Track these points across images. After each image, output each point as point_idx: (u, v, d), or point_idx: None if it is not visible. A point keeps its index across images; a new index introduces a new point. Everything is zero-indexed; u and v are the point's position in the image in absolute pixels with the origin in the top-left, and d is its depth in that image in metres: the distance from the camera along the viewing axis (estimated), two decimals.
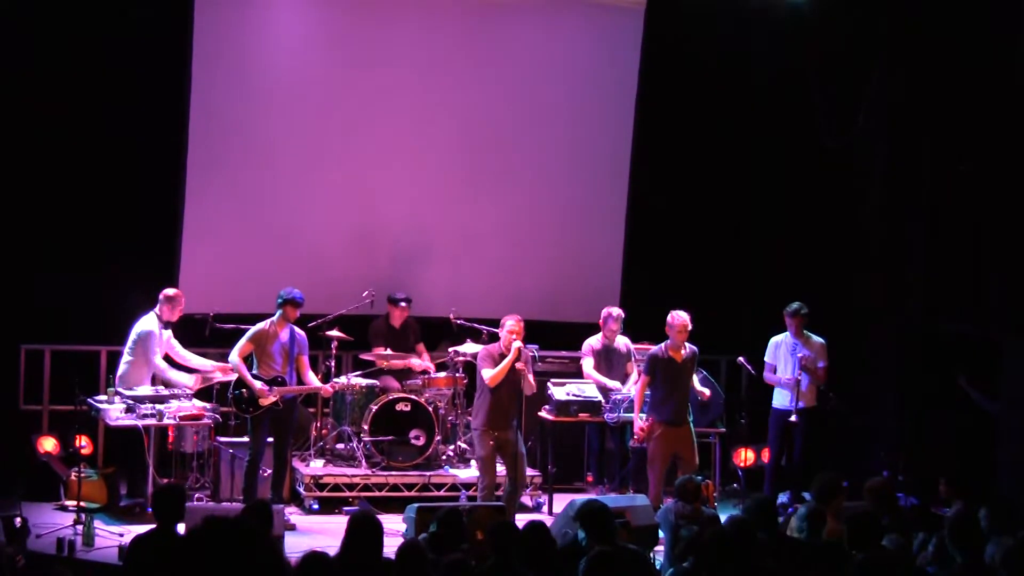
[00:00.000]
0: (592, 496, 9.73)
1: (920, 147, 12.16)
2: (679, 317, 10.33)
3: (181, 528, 7.11)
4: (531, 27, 12.50)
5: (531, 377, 10.06)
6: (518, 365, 9.90)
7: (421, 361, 11.88)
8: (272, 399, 10.27)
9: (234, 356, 10.32)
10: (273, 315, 10.41)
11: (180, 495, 7.01)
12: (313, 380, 10.56)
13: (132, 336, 10.68)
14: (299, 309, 10.41)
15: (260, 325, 10.42)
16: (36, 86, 11.42)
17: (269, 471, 10.49)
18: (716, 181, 13.01)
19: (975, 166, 11.64)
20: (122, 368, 10.65)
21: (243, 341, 10.35)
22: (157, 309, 10.72)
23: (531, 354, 10.14)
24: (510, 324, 10.03)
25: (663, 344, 10.43)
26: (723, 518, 8.59)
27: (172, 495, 6.94)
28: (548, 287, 12.63)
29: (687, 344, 10.39)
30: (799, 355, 11.14)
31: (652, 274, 12.92)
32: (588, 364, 11.39)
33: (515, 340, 9.95)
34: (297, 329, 10.51)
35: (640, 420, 10.39)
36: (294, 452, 11.16)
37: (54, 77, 11.44)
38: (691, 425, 10.40)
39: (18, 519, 8.88)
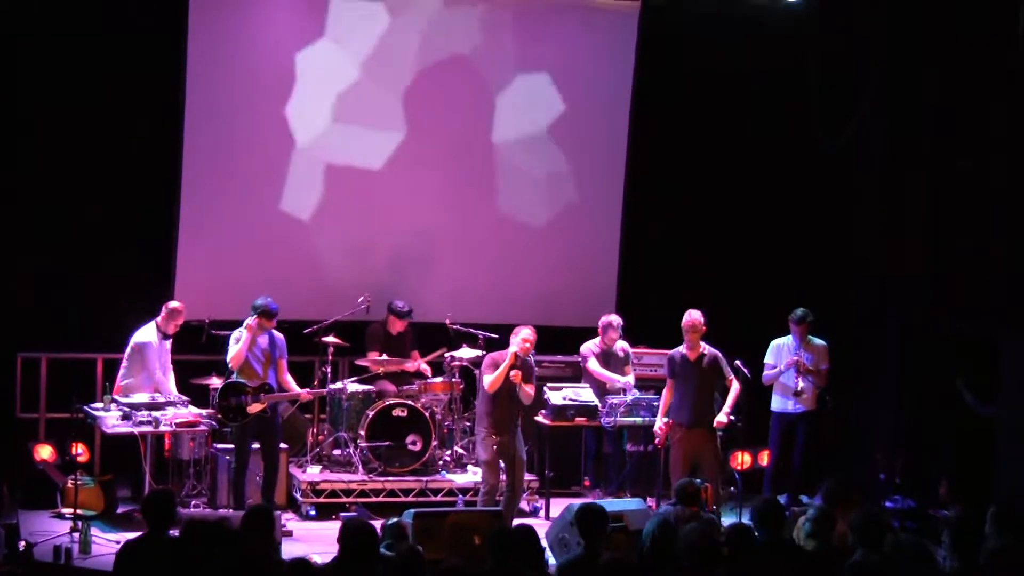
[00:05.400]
0: (589, 500, 9.69)
1: (919, 146, 12.13)
2: (688, 316, 10.30)
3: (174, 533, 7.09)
4: (526, 30, 12.47)
5: (528, 387, 10.02)
6: (512, 374, 9.88)
7: (415, 362, 11.83)
8: (260, 407, 10.25)
9: (235, 366, 10.29)
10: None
11: (170, 500, 6.99)
12: (292, 385, 10.53)
13: (129, 346, 10.68)
14: (274, 320, 10.35)
15: (240, 331, 10.35)
16: (31, 90, 11.41)
17: (260, 476, 10.47)
18: (713, 183, 12.98)
19: (974, 164, 11.62)
20: (120, 380, 10.65)
21: (236, 349, 10.31)
22: (158, 319, 10.73)
23: (531, 363, 10.10)
24: (525, 333, 10.00)
25: (680, 346, 10.41)
26: (725, 522, 8.55)
27: (162, 500, 6.93)
28: (544, 291, 12.60)
29: (706, 347, 10.34)
30: (796, 358, 11.15)
31: (648, 278, 12.89)
32: (594, 363, 11.38)
33: (512, 347, 9.93)
34: (276, 332, 10.47)
35: (660, 422, 10.36)
36: (291, 458, 11.14)
37: (49, 80, 11.41)
38: (713, 429, 10.32)
39: (22, 543, 8.83)
